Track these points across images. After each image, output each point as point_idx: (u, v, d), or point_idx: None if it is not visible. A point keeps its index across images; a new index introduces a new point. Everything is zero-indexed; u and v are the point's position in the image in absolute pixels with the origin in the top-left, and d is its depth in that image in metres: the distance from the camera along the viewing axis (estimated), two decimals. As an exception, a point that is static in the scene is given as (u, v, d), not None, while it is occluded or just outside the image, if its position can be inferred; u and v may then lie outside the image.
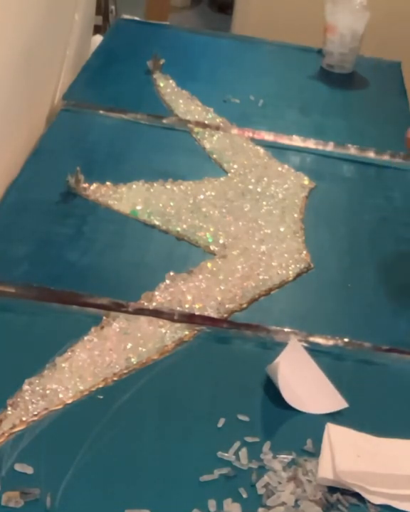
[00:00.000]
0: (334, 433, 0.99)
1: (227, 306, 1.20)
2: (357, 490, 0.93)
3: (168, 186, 1.46)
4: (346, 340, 1.16)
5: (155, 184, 1.46)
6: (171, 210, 1.40)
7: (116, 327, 1.13)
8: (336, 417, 1.04)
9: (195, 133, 1.66)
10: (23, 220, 1.35)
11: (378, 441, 0.99)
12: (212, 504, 0.90)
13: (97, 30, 2.24)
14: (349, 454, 0.96)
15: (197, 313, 1.18)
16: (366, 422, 1.03)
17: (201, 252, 1.32)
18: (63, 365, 1.06)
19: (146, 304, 1.19)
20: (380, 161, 1.67)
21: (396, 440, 1.00)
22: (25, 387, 1.01)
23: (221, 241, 1.34)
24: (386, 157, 1.68)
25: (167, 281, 1.23)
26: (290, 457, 0.96)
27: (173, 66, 1.89)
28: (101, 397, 1.03)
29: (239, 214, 1.42)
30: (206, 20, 3.72)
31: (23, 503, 0.87)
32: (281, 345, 1.10)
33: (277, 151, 1.64)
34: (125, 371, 1.07)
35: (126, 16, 2.18)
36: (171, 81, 1.84)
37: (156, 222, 1.38)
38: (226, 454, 0.96)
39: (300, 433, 1.01)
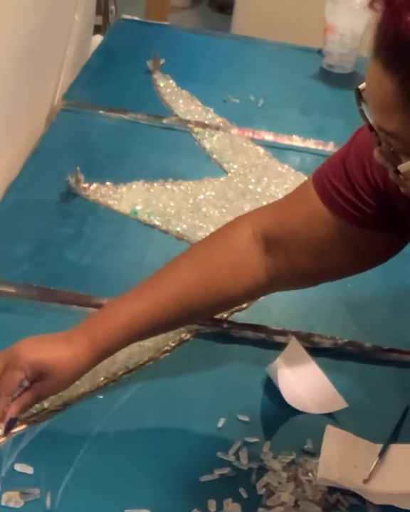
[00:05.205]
0: (335, 436, 0.98)
1: (227, 306, 1.20)
2: (358, 492, 0.92)
3: (168, 186, 1.46)
4: (346, 340, 1.16)
5: (155, 184, 1.46)
6: (171, 210, 1.40)
7: (116, 327, 1.13)
8: (336, 417, 1.04)
9: (195, 133, 1.66)
10: (23, 220, 1.35)
11: (376, 449, 0.98)
12: (212, 504, 0.90)
13: (97, 30, 2.24)
14: (347, 462, 0.95)
15: (197, 313, 1.18)
16: (366, 422, 1.03)
17: (201, 252, 1.32)
18: (63, 365, 1.05)
19: (146, 304, 1.18)
20: (380, 161, 1.66)
21: (394, 445, 1.00)
22: (26, 387, 1.01)
23: (221, 241, 1.34)
24: (386, 157, 1.67)
25: (167, 281, 1.23)
26: (290, 457, 0.96)
27: (173, 66, 1.88)
28: (101, 397, 1.03)
29: (239, 214, 1.41)
30: (206, 20, 3.71)
31: (23, 503, 0.87)
32: (281, 345, 1.10)
33: (277, 151, 1.64)
34: (125, 371, 1.07)
35: (126, 16, 2.18)
36: (171, 81, 1.84)
37: (156, 222, 1.38)
38: (226, 454, 0.96)
39: (300, 433, 1.01)
